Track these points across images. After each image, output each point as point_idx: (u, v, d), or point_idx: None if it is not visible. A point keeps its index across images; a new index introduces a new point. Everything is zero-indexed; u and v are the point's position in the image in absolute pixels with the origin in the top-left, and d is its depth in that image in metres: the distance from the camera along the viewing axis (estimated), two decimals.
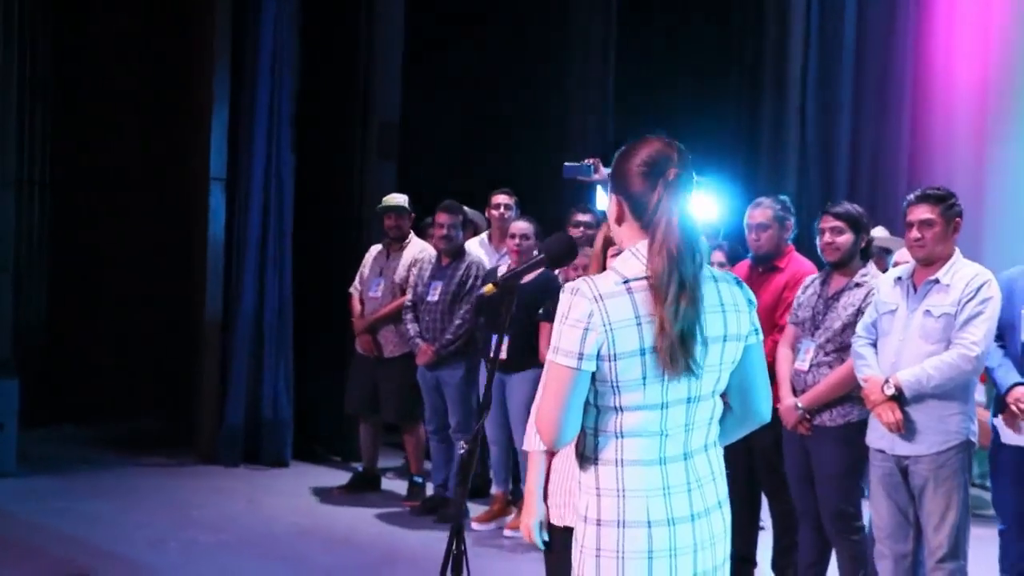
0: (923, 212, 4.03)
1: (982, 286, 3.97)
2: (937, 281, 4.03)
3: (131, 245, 8.70)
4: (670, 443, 2.32)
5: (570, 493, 3.05)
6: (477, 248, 6.91)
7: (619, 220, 2.38)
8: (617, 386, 2.27)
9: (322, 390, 7.82)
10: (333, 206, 8.18)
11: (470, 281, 6.32)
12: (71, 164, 8.69)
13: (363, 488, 6.94)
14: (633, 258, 2.31)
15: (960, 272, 4.02)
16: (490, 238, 7.03)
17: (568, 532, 3.03)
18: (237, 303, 7.58)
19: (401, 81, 8.47)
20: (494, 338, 6.05)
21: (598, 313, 2.24)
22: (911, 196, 4.11)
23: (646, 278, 2.26)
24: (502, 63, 9.34)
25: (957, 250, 4.09)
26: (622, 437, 2.30)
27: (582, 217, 6.58)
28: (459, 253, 6.44)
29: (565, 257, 2.79)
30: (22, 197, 8.46)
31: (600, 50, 9.53)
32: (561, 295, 2.31)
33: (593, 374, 2.27)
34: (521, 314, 5.72)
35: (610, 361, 2.25)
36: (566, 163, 6.34)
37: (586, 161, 6.17)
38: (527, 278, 6.25)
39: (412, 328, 6.46)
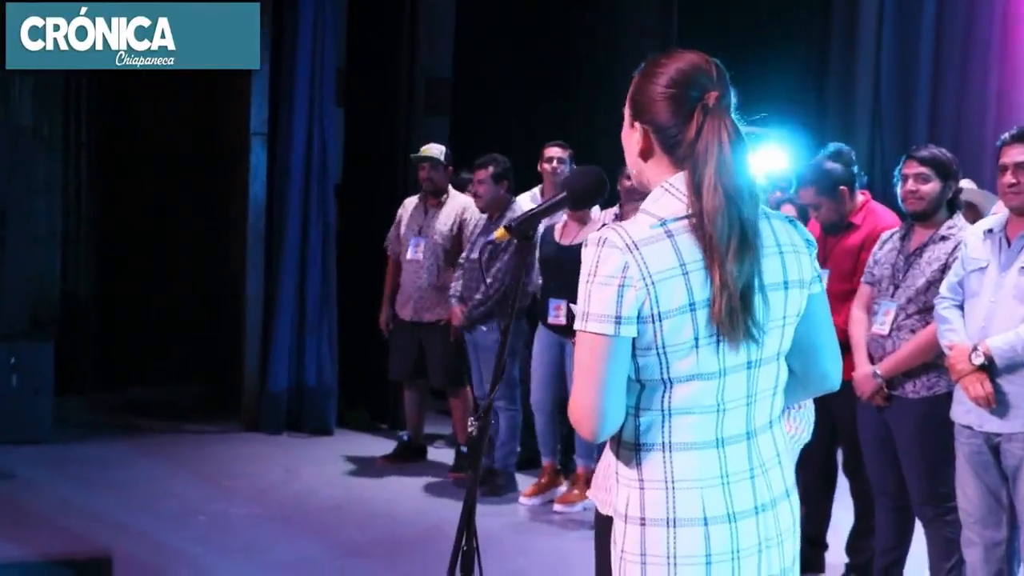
0: (1019, 153, 3.51)
1: None
2: None
3: (173, 206, 8.46)
4: (729, 420, 1.90)
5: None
6: (528, 203, 6.50)
7: (645, 155, 1.95)
8: (664, 352, 1.86)
9: (368, 355, 7.50)
10: (379, 164, 7.85)
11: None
12: (112, 123, 8.45)
13: (408, 458, 6.60)
14: (667, 195, 1.90)
15: None
16: (542, 193, 6.62)
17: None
18: (279, 265, 7.28)
19: (455, 35, 8.11)
20: (551, 303, 5.75)
21: (634, 264, 1.83)
22: (1006, 136, 3.59)
23: (687, 217, 1.85)
24: (557, 14, 8.90)
25: None
26: (670, 415, 1.88)
27: None
28: (502, 208, 6.03)
29: (592, 194, 2.25)
30: (68, 160, 8.27)
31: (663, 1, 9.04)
32: (583, 249, 1.90)
33: (633, 341, 1.86)
34: (579, 276, 5.34)
35: (654, 322, 1.84)
36: None
37: None
38: (577, 235, 5.93)
39: (454, 287, 6.10)
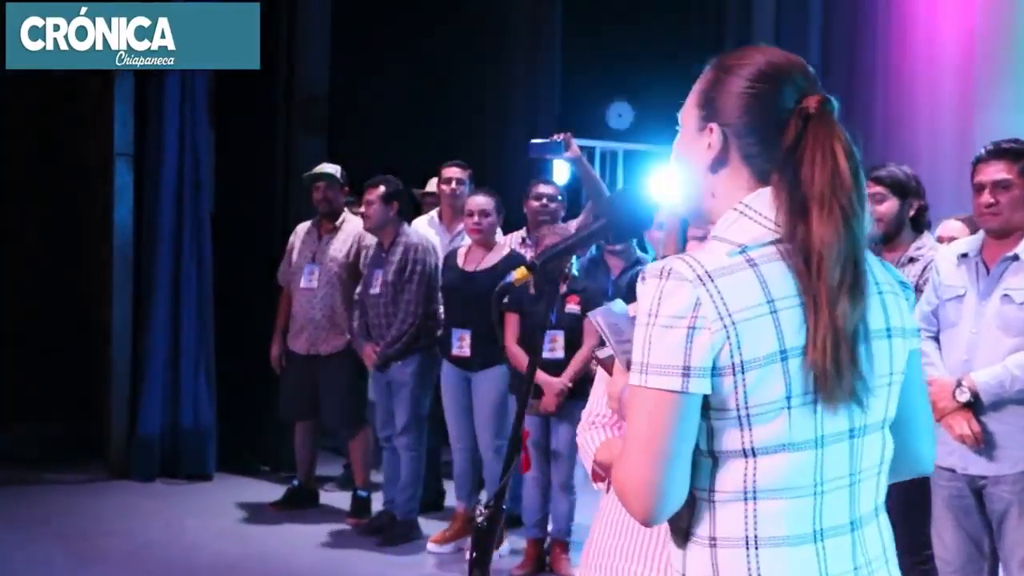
0: (997, 171, 3.28)
1: None
2: (1016, 258, 3.28)
3: (28, 230, 7.71)
4: (829, 505, 1.51)
5: (615, 571, 2.22)
6: (426, 228, 6.10)
7: (716, 165, 1.58)
8: (746, 414, 1.47)
9: (249, 392, 6.95)
10: (255, 186, 7.34)
11: (409, 267, 5.52)
12: None
13: (300, 504, 6.10)
14: (744, 218, 1.54)
15: None
16: (440, 216, 6.22)
17: None
18: (150, 295, 6.72)
19: (331, 51, 7.70)
20: (454, 333, 5.38)
21: (708, 300, 1.45)
22: (982, 151, 3.36)
23: (775, 243, 1.50)
24: (440, 29, 8.56)
25: None
26: (754, 499, 1.48)
27: (544, 189, 5.83)
28: (393, 234, 5.61)
29: (637, 225, 1.88)
30: None
31: (547, 10, 8.80)
32: (640, 284, 1.51)
33: (706, 399, 1.48)
34: (483, 303, 4.99)
35: (734, 375, 1.46)
36: (532, 140, 5.62)
37: (555, 137, 5.42)
38: (483, 261, 5.55)
39: (355, 325, 5.66)
